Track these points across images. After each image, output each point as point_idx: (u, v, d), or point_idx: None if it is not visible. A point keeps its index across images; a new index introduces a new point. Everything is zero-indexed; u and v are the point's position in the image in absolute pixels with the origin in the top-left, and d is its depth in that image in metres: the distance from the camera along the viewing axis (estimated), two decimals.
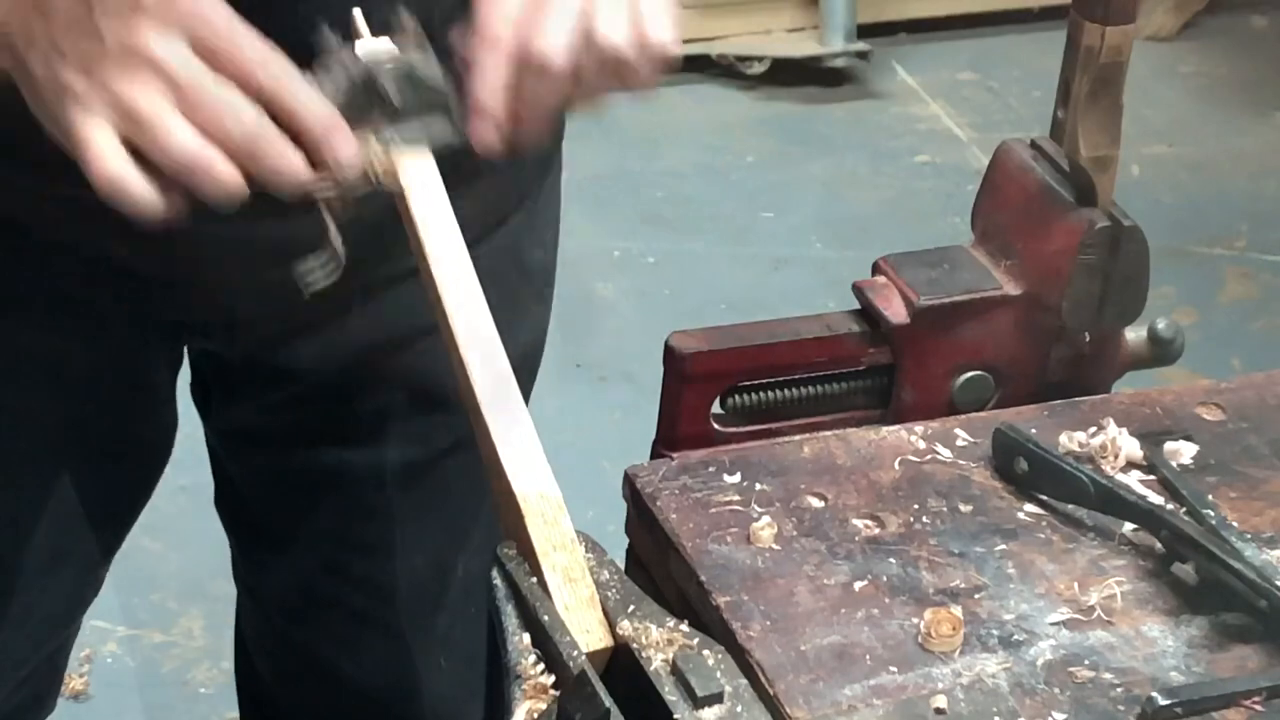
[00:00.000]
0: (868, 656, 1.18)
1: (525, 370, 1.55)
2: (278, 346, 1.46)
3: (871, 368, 1.44)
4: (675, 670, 1.10)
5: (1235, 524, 1.27)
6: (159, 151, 1.08)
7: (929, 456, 1.36)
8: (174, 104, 1.08)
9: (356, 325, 1.45)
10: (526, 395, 1.57)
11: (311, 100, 1.12)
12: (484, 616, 1.66)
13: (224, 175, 1.09)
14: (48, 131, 1.11)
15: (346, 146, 1.14)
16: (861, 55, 4.28)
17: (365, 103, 1.17)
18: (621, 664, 1.13)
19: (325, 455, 1.52)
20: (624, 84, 1.20)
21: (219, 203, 1.10)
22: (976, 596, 1.23)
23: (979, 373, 1.45)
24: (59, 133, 1.10)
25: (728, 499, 1.30)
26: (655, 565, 1.29)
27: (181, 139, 1.08)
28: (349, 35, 1.21)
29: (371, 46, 1.21)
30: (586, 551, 1.17)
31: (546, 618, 1.13)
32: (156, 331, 1.44)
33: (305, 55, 1.16)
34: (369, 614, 1.61)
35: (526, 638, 1.13)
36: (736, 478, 1.32)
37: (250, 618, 1.71)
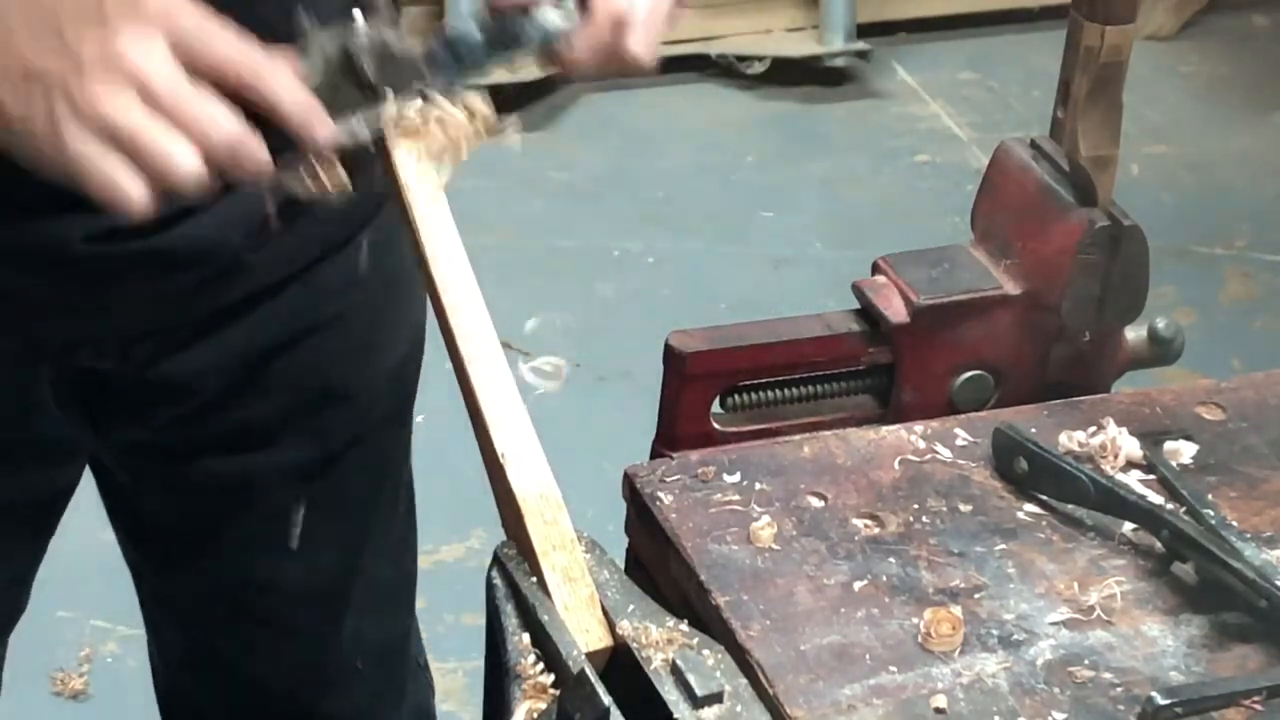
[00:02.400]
0: (867, 656, 1.18)
1: (411, 368, 1.56)
2: (169, 357, 1.44)
3: (871, 367, 1.44)
4: (675, 670, 1.10)
5: (1235, 524, 1.27)
6: (149, 166, 1.09)
7: (929, 456, 1.36)
8: (154, 113, 1.08)
9: (245, 329, 1.44)
10: (413, 396, 1.58)
11: (287, 88, 1.13)
12: (394, 616, 1.66)
13: (198, 174, 1.10)
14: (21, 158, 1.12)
15: (323, 129, 1.14)
16: (861, 55, 4.28)
17: (344, 82, 1.18)
18: (621, 664, 1.13)
19: (224, 462, 1.51)
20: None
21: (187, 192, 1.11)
22: (976, 596, 1.23)
23: (979, 372, 1.45)
24: (49, 161, 1.10)
25: (728, 499, 1.30)
26: (655, 565, 1.29)
27: (164, 151, 1.08)
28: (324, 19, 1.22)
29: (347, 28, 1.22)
30: (586, 551, 1.17)
31: (546, 617, 1.13)
32: (48, 354, 1.42)
33: (286, 43, 1.17)
34: (276, 617, 1.60)
35: (526, 637, 1.13)
36: (736, 477, 1.32)
37: (163, 633, 1.70)
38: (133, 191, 1.09)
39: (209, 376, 1.44)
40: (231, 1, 1.13)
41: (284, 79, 1.12)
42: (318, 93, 1.16)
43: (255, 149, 1.11)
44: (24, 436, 1.44)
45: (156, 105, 1.08)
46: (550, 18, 1.25)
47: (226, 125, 1.10)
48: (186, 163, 1.09)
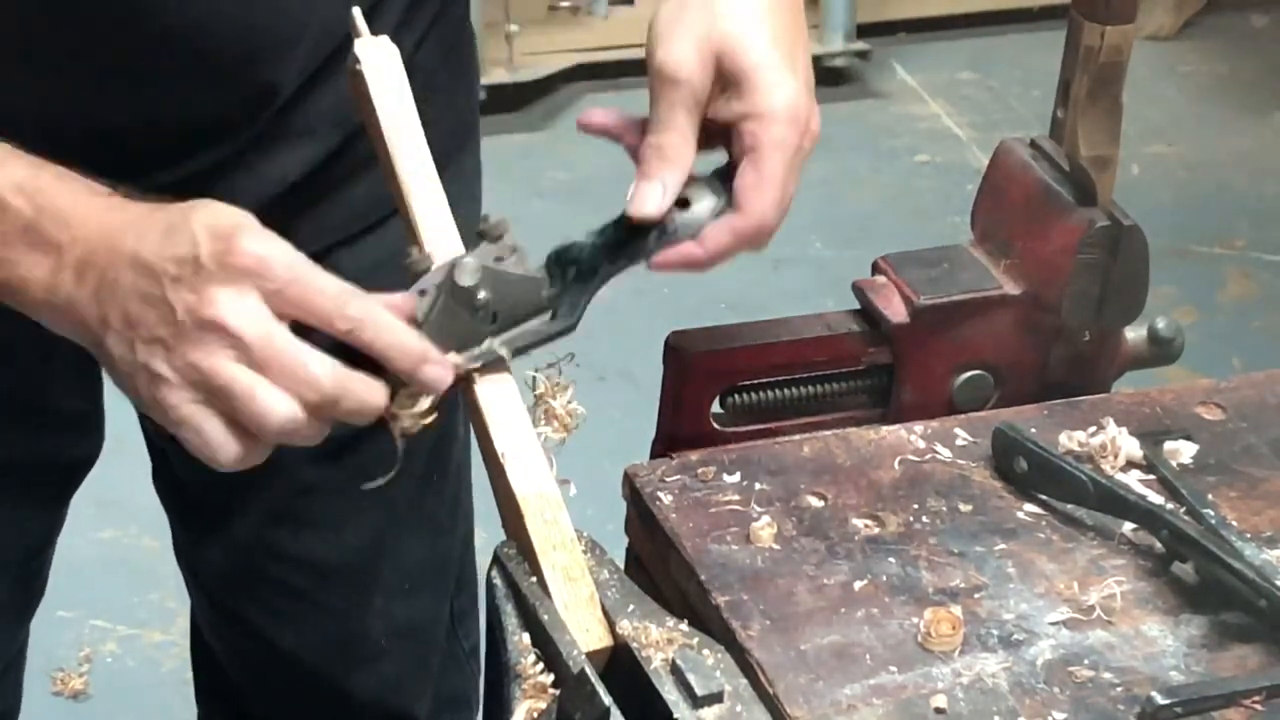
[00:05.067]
0: (868, 656, 1.18)
1: None
2: None
3: (871, 367, 1.44)
4: (675, 669, 1.10)
5: (1235, 523, 1.27)
6: (246, 422, 1.10)
7: (929, 456, 1.36)
8: (252, 369, 1.09)
9: None
10: None
11: (396, 337, 1.12)
12: (423, 597, 1.67)
13: (312, 432, 1.12)
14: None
15: (440, 377, 1.14)
16: (861, 55, 4.28)
17: (460, 313, 1.16)
18: (621, 663, 1.13)
19: None
20: None
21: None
22: (976, 596, 1.23)
23: (979, 372, 1.45)
24: (149, 411, 1.12)
25: (728, 499, 1.30)
26: (655, 565, 1.29)
27: (265, 409, 1.09)
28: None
29: (366, 51, 1.21)
30: (586, 551, 1.17)
31: (546, 617, 1.13)
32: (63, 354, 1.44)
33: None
34: (305, 591, 1.62)
35: (526, 637, 1.13)
36: (736, 477, 1.32)
37: (195, 596, 1.72)
38: (227, 449, 1.11)
39: None
40: (230, 47, 1.12)
41: (386, 326, 1.12)
42: (432, 327, 1.14)
43: (357, 392, 1.12)
44: (43, 402, 1.46)
45: (252, 362, 1.09)
46: (704, 209, 1.22)
47: (324, 378, 1.10)
48: (284, 414, 1.09)
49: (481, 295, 1.16)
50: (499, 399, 1.19)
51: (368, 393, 1.12)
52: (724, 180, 1.24)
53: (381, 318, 1.12)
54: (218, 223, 1.09)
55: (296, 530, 1.57)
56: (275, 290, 1.09)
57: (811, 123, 1.24)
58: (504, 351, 1.18)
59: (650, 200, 1.21)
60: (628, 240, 1.23)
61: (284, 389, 1.09)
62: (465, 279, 1.15)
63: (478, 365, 1.17)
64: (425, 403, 1.15)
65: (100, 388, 1.52)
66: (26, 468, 1.49)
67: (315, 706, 1.69)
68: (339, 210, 1.42)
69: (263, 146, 1.36)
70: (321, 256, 1.45)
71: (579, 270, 1.22)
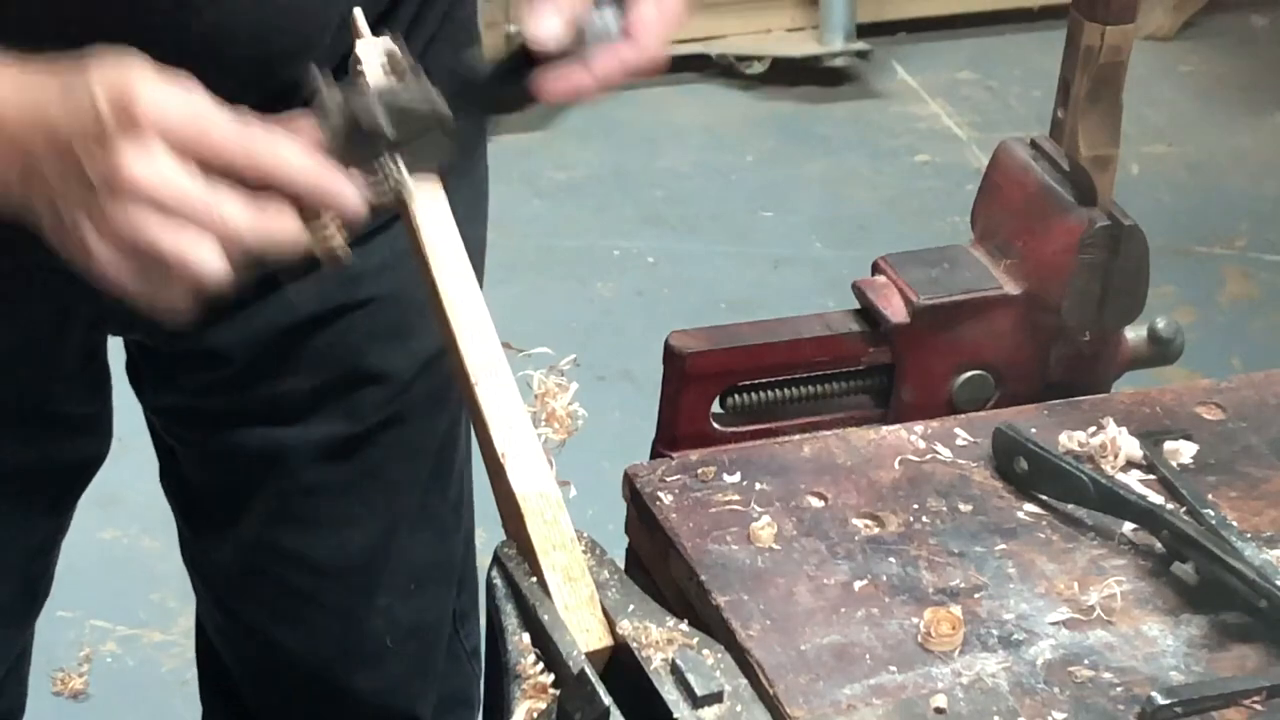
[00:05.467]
0: (867, 656, 1.18)
1: None
2: (199, 333, 1.47)
3: (871, 367, 1.44)
4: (675, 669, 1.10)
5: (1235, 523, 1.27)
6: (174, 273, 1.11)
7: (929, 456, 1.36)
8: (169, 222, 1.10)
9: (274, 309, 1.46)
10: None
11: (296, 162, 1.13)
12: (427, 597, 1.67)
13: (225, 271, 1.12)
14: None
15: (345, 194, 1.15)
16: (861, 55, 4.28)
17: (361, 139, 1.17)
18: (621, 663, 1.13)
19: (257, 434, 1.53)
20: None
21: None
22: (976, 596, 1.23)
23: (979, 372, 1.45)
24: (95, 278, 1.13)
25: (728, 499, 1.30)
26: (655, 565, 1.29)
27: (195, 269, 1.11)
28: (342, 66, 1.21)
29: (367, 51, 1.21)
30: (586, 551, 1.17)
31: (546, 617, 1.12)
32: (77, 324, 1.45)
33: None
34: (307, 590, 1.62)
35: (526, 637, 1.13)
36: (736, 477, 1.32)
37: (200, 595, 1.72)
38: (169, 302, 1.12)
39: (238, 350, 1.47)
40: (247, 51, 1.13)
41: (289, 153, 1.13)
42: (334, 153, 1.15)
43: (279, 230, 1.13)
44: (49, 406, 1.46)
45: (169, 213, 1.10)
46: (608, 20, 1.22)
47: (241, 217, 1.11)
48: (211, 264, 1.11)
49: (383, 122, 1.17)
50: (499, 400, 1.19)
51: (282, 226, 1.13)
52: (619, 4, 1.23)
53: (283, 146, 1.13)
54: (114, 79, 1.10)
55: (302, 530, 1.58)
56: (178, 136, 1.10)
57: None
58: (404, 175, 1.19)
59: (547, 27, 1.19)
60: (527, 69, 1.22)
61: (207, 240, 1.10)
62: (366, 117, 1.16)
63: (385, 185, 1.18)
64: (336, 230, 1.16)
65: (108, 389, 1.53)
66: (32, 471, 1.49)
67: (319, 706, 1.69)
68: None
69: None
70: None
71: (480, 96, 1.23)
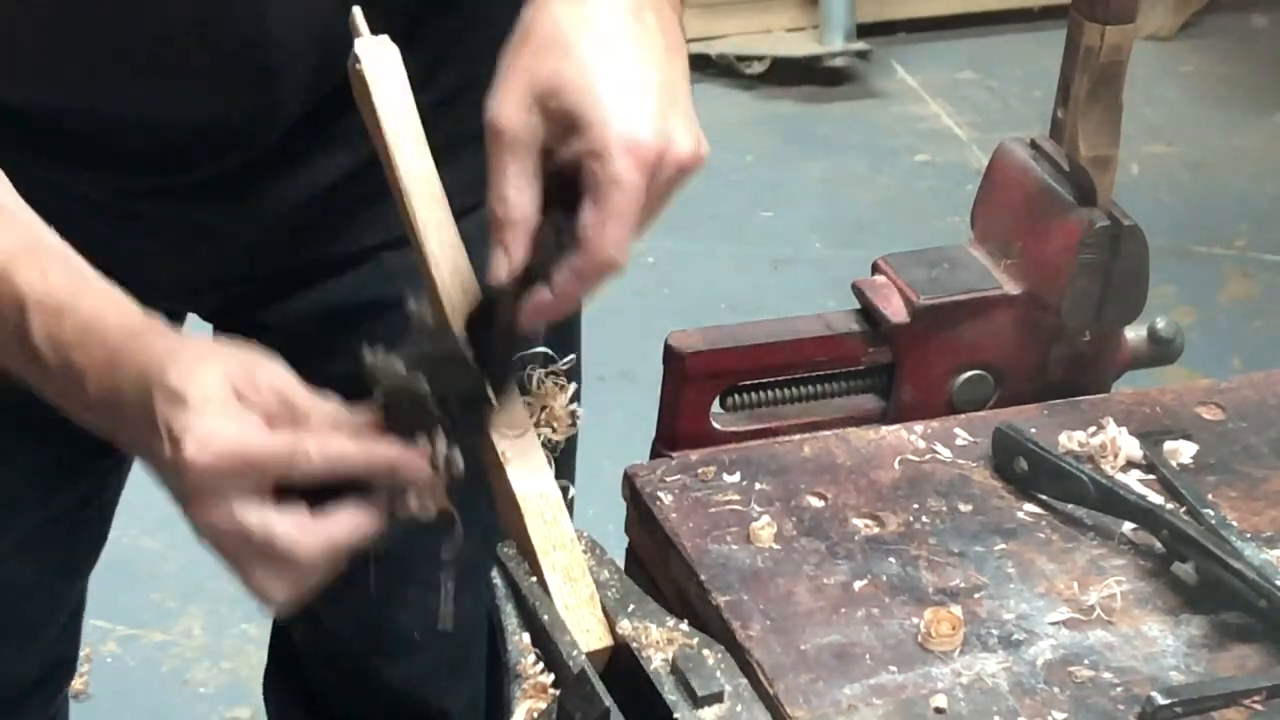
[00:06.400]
0: (868, 656, 1.18)
1: None
2: (235, 311, 1.51)
3: (871, 367, 1.44)
4: (675, 669, 1.10)
5: (1235, 523, 1.27)
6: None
7: (929, 456, 1.36)
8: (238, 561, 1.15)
9: (310, 295, 1.49)
10: None
11: (362, 458, 1.14)
12: (465, 596, 1.68)
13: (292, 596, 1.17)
14: None
15: (418, 468, 1.16)
16: (861, 54, 4.28)
17: (408, 408, 1.16)
18: (621, 663, 1.13)
19: None
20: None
21: None
22: (976, 596, 1.23)
23: (979, 372, 1.45)
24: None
25: (727, 498, 1.30)
26: (655, 565, 1.29)
27: (269, 592, 1.16)
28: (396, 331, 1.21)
29: (367, 51, 1.21)
30: (586, 551, 1.17)
31: (546, 617, 1.13)
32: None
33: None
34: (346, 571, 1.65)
35: (526, 637, 1.13)
36: (736, 477, 1.32)
37: None
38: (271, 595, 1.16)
39: (274, 332, 1.48)
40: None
41: (338, 446, 1.14)
42: (396, 426, 1.15)
43: (354, 532, 1.15)
44: None
45: (231, 556, 1.15)
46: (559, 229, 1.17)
47: (314, 559, 1.14)
48: (281, 594, 1.15)
49: (424, 386, 1.16)
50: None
51: (359, 528, 1.15)
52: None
53: (343, 446, 1.14)
54: (165, 413, 1.12)
55: None
56: (226, 479, 1.12)
57: (670, 152, 1.15)
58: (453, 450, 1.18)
59: (499, 267, 1.16)
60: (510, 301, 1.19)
61: (277, 574, 1.15)
62: (396, 383, 1.15)
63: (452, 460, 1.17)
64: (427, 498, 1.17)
65: None
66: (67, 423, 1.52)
67: (355, 689, 1.72)
68: (382, 214, 1.43)
69: (294, 152, 1.38)
70: (364, 257, 1.49)
71: (494, 336, 1.19)
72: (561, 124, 1.14)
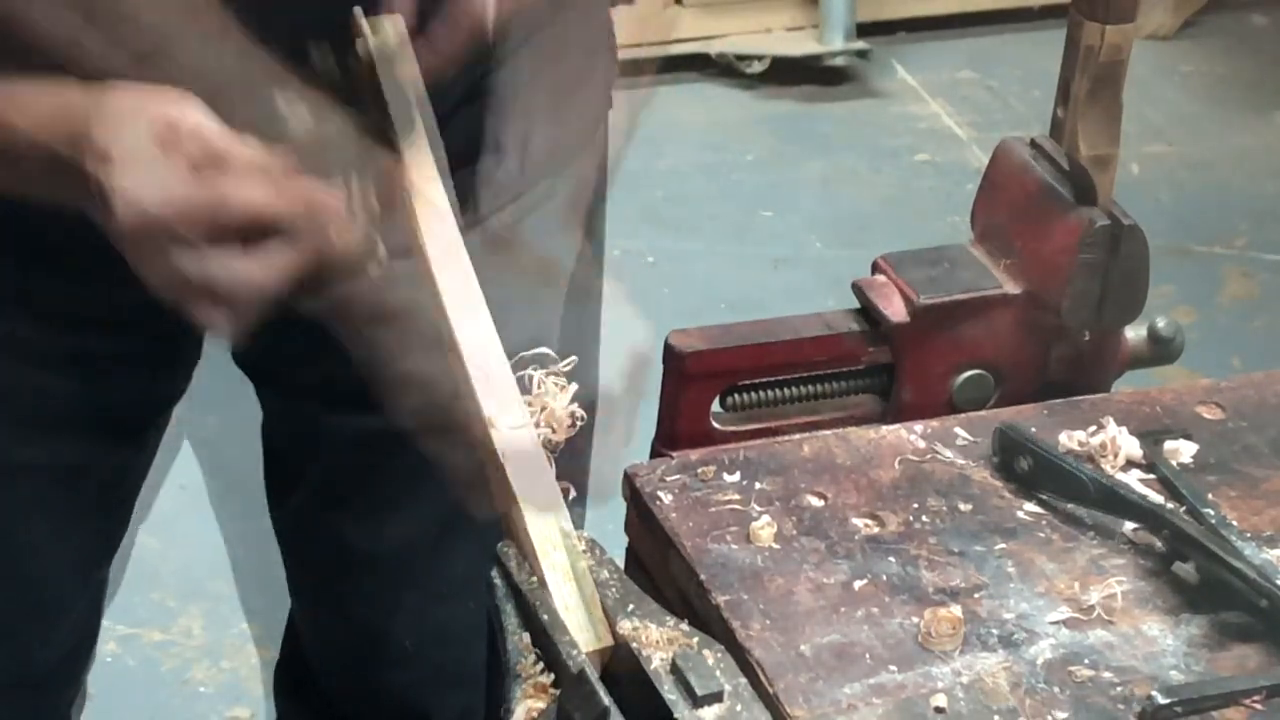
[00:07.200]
0: (867, 655, 1.18)
1: None
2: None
3: (871, 366, 1.44)
4: (675, 669, 1.10)
5: (1235, 523, 1.27)
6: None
7: (929, 455, 1.36)
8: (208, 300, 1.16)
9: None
10: None
11: (280, 200, 1.15)
12: (465, 605, 1.68)
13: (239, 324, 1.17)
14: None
15: (334, 213, 1.17)
16: (861, 54, 4.28)
17: (323, 150, 1.19)
18: (621, 663, 1.13)
19: (297, 407, 1.59)
20: None
21: None
22: (976, 596, 1.23)
23: (979, 371, 1.45)
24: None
25: (727, 498, 1.30)
26: (655, 565, 1.29)
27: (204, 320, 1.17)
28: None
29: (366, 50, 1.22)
30: (586, 551, 1.17)
31: (546, 617, 1.12)
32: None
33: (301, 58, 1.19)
34: (341, 572, 1.68)
35: (526, 637, 1.13)
36: (736, 477, 1.32)
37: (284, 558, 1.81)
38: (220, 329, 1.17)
39: (287, 329, 1.48)
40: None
41: (266, 195, 1.15)
42: (311, 168, 1.17)
43: (290, 260, 1.16)
44: (118, 349, 1.50)
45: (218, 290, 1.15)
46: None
47: (232, 274, 1.15)
48: (224, 326, 1.17)
49: (334, 133, 1.19)
50: (499, 399, 1.19)
51: (288, 259, 1.16)
52: None
53: (261, 191, 1.15)
54: (100, 182, 1.13)
55: (334, 511, 1.62)
56: (176, 230, 1.13)
57: None
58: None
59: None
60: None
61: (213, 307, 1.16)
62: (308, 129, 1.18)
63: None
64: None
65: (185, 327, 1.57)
66: (92, 406, 1.53)
67: (354, 690, 1.73)
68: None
69: None
70: None
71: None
72: None
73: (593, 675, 1.08)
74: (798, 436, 1.38)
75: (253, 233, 1.15)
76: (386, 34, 1.24)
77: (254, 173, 1.16)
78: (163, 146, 1.14)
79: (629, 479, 1.32)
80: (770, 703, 1.13)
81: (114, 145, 1.14)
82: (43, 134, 1.17)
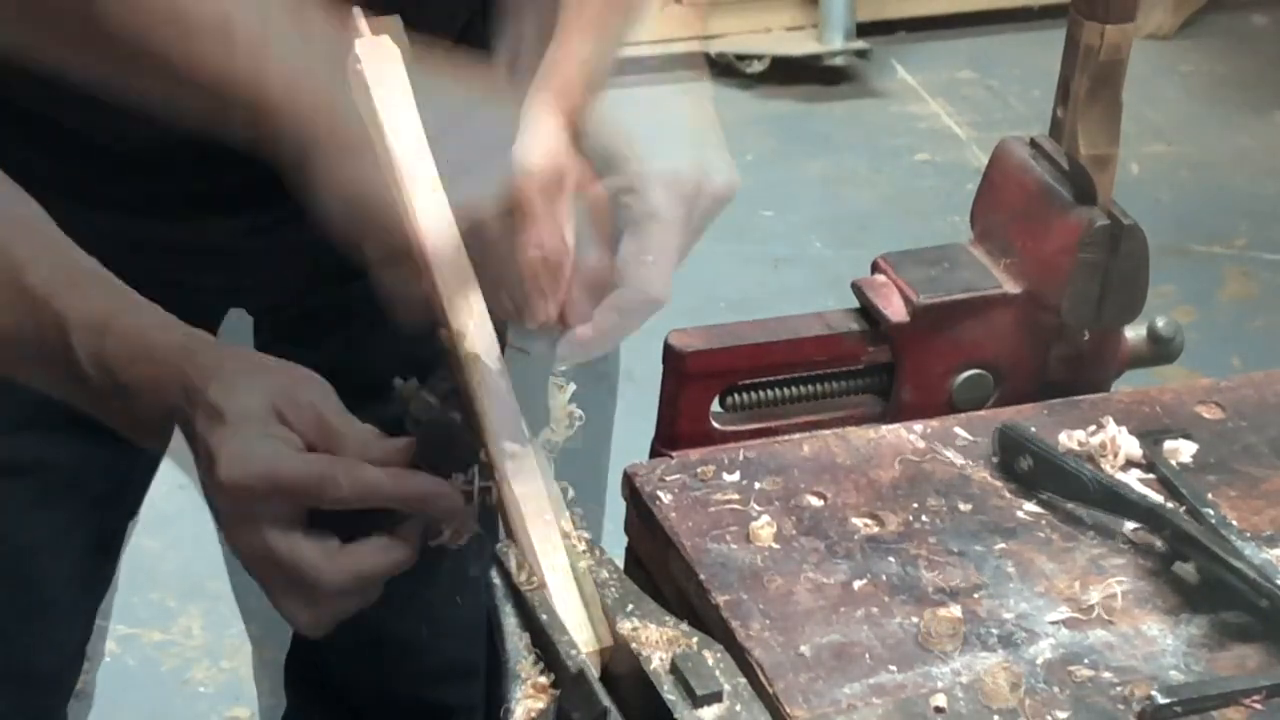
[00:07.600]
0: (867, 655, 1.18)
1: None
2: (299, 301, 1.53)
3: (871, 366, 1.44)
4: (674, 669, 1.10)
5: (1235, 523, 1.27)
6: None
7: (929, 455, 1.36)
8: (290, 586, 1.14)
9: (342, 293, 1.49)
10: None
11: (394, 490, 1.13)
12: (472, 603, 1.68)
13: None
14: None
15: (450, 508, 1.16)
16: (861, 54, 4.28)
17: (445, 440, 1.16)
18: (621, 663, 1.13)
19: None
20: None
21: None
22: (976, 595, 1.23)
23: (979, 371, 1.45)
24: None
25: (727, 498, 1.30)
26: (655, 564, 1.29)
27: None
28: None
29: (367, 51, 1.21)
30: (586, 551, 1.17)
31: (546, 617, 1.12)
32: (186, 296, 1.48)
33: None
34: None
35: (526, 637, 1.13)
36: (736, 476, 1.32)
37: None
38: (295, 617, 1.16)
39: (325, 313, 1.52)
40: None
41: (367, 477, 1.13)
42: (430, 455, 1.15)
43: (390, 559, 1.15)
44: None
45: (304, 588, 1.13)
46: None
47: (342, 579, 1.14)
48: (306, 618, 1.15)
49: (456, 420, 1.16)
50: (498, 399, 1.19)
51: (388, 559, 1.14)
52: None
53: (360, 470, 1.13)
54: (207, 440, 1.11)
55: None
56: (276, 503, 1.11)
57: (707, 185, 1.17)
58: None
59: (539, 311, 1.17)
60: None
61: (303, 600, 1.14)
62: (430, 416, 1.16)
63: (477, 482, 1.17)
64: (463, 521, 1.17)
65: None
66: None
67: (364, 682, 1.73)
68: None
69: None
70: None
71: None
72: (594, 163, 1.15)
73: (592, 675, 1.08)
74: (797, 436, 1.38)
75: (358, 525, 1.13)
76: (388, 34, 1.23)
77: (366, 453, 1.13)
78: (280, 413, 1.11)
79: (629, 479, 1.32)
80: (770, 703, 1.13)
81: (229, 406, 1.11)
82: (149, 379, 1.13)
